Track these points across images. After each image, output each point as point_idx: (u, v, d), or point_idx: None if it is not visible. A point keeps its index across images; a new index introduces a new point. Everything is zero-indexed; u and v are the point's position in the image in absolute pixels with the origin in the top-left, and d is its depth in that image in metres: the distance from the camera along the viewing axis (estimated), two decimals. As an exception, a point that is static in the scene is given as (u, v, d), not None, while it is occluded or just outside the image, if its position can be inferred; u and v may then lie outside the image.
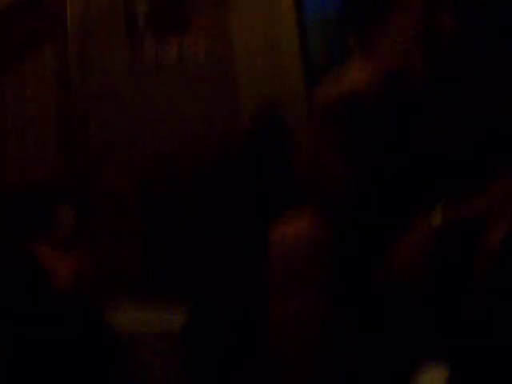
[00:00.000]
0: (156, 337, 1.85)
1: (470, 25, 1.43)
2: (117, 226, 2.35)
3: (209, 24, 2.99)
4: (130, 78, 2.56)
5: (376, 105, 1.47)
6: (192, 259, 2.45)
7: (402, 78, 1.42)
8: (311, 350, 1.35)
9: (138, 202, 2.47)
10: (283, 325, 1.36)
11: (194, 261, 2.38)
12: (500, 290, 1.05)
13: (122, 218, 2.39)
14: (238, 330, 2.03)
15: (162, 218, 2.51)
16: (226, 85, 3.04)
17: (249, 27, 3.04)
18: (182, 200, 2.61)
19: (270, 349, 1.40)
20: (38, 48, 2.57)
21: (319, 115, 1.44)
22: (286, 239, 1.35)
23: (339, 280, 1.36)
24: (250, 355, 1.90)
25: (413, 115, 1.44)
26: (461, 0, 1.44)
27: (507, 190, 1.29)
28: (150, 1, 2.67)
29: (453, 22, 1.64)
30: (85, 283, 1.27)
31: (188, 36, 2.85)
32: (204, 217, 2.64)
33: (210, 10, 3.02)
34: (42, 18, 2.49)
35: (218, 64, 3.01)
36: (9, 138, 2.59)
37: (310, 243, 1.32)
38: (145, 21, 2.65)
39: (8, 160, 2.58)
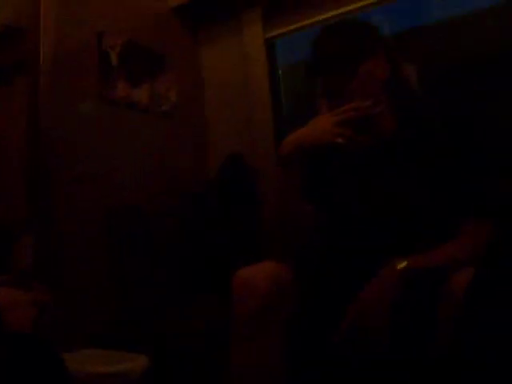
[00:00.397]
0: (116, 377, 1.80)
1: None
2: (82, 265, 2.32)
3: (181, 65, 3.03)
4: (100, 114, 2.55)
5: (344, 154, 1.49)
6: (155, 306, 2.41)
7: (369, 126, 1.44)
8: None
9: (105, 234, 2.44)
10: (242, 369, 1.33)
11: (157, 308, 2.35)
12: (464, 338, 1.05)
13: (87, 256, 2.35)
14: (199, 375, 1.99)
15: (127, 256, 2.48)
16: (196, 128, 3.07)
17: (221, 72, 3.09)
18: (147, 239, 2.58)
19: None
20: (7, 83, 2.55)
21: (286, 161, 1.45)
22: (247, 280, 1.33)
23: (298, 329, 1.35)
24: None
25: (378, 165, 1.46)
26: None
27: (472, 240, 1.31)
28: (124, 41, 2.70)
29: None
30: (44, 323, 1.22)
31: (160, 76, 2.88)
32: (168, 259, 2.62)
33: (183, 51, 3.07)
34: (13, 53, 2.48)
35: (190, 107, 3.04)
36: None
37: (272, 283, 1.31)
38: (118, 60, 2.67)
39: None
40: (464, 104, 2.06)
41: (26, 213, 2.29)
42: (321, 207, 1.55)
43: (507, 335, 1.02)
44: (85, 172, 2.43)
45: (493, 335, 1.03)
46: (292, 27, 2.87)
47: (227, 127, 3.01)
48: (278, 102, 2.96)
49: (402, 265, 1.25)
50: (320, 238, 1.55)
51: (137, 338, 2.11)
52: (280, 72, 3.01)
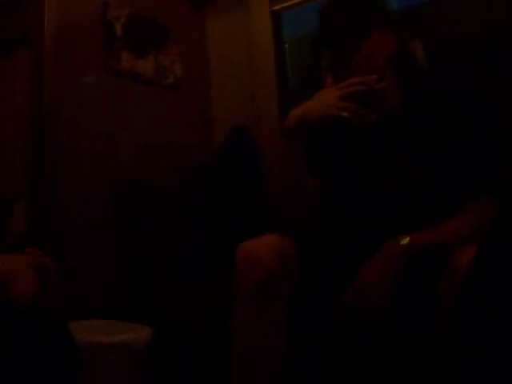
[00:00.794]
0: (119, 347, 1.81)
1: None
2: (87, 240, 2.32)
3: (186, 38, 3.00)
4: (105, 87, 2.54)
5: (344, 128, 1.48)
6: (158, 278, 2.43)
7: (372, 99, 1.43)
8: (273, 371, 1.34)
9: (109, 211, 2.44)
10: (246, 343, 1.34)
11: (161, 285, 2.37)
12: (464, 315, 1.05)
13: (92, 233, 2.36)
14: (202, 350, 2.01)
15: (131, 233, 2.49)
16: (201, 101, 3.05)
17: (226, 46, 3.06)
18: (151, 215, 2.59)
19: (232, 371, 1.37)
20: (11, 56, 2.53)
21: (290, 134, 1.45)
22: (252, 252, 1.33)
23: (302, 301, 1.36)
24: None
25: (383, 140, 1.45)
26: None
27: (475, 218, 1.31)
28: (129, 12, 2.67)
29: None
30: (46, 290, 1.22)
31: (165, 49, 2.85)
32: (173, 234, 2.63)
33: (189, 24, 3.04)
34: (17, 25, 2.46)
35: (195, 80, 3.02)
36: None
37: (276, 256, 1.31)
38: (122, 31, 2.64)
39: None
40: (469, 85, 2.04)
41: (24, 187, 2.29)
42: (325, 181, 1.55)
43: (507, 313, 1.02)
44: (88, 147, 2.42)
45: (493, 313, 1.04)
46: (298, 0, 2.83)
47: (232, 100, 2.99)
48: (284, 75, 2.94)
49: (406, 241, 1.25)
50: (323, 212, 1.54)
51: (140, 314, 2.12)
52: (286, 45, 2.98)
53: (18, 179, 2.34)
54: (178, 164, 2.77)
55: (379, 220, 1.37)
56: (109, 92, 2.56)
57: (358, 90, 1.38)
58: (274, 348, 1.33)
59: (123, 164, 2.55)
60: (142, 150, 2.65)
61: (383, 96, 1.45)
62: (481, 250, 1.14)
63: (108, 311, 2.22)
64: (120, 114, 2.58)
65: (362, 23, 1.40)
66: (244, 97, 2.93)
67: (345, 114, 1.38)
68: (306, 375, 1.39)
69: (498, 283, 1.07)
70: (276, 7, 2.88)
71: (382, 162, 1.44)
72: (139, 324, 1.97)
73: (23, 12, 2.39)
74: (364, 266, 1.27)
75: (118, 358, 1.78)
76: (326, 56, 1.45)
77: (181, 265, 2.52)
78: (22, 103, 2.44)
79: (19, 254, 1.22)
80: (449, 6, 2.45)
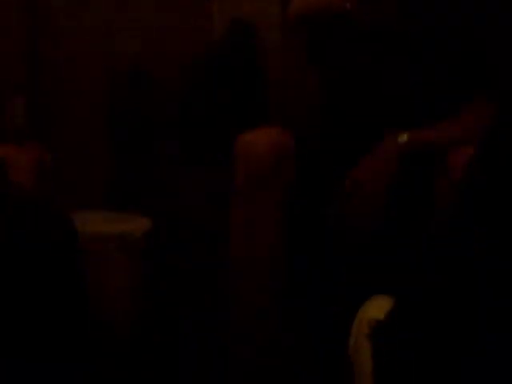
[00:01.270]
0: (118, 237, 1.83)
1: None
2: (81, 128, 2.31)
3: None
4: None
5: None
6: (156, 171, 2.44)
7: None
8: (267, 263, 1.38)
9: (106, 105, 2.42)
10: (242, 230, 1.37)
11: (158, 173, 2.38)
12: (460, 215, 1.07)
13: (87, 121, 2.34)
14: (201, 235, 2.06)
15: (128, 125, 2.47)
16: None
17: None
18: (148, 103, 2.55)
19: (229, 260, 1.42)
20: None
21: (292, 24, 1.41)
22: (250, 143, 1.34)
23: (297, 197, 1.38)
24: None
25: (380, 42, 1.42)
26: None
27: (472, 119, 1.30)
28: None
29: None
30: (45, 177, 1.22)
31: None
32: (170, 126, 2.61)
33: None
34: None
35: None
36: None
37: (274, 148, 1.32)
38: None
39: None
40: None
41: (22, 78, 2.25)
42: (324, 72, 1.52)
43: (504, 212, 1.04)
44: (86, 37, 2.34)
45: (490, 213, 1.05)
46: None
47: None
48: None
49: (404, 137, 1.25)
50: (323, 110, 1.53)
51: (138, 204, 2.14)
52: None
53: (18, 69, 2.29)
54: (178, 50, 2.69)
55: (377, 119, 1.36)
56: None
57: None
58: (268, 239, 1.36)
59: (120, 50, 2.46)
60: (140, 32, 2.54)
61: None
62: (477, 152, 1.14)
63: (107, 202, 2.24)
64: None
65: None
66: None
67: (347, 4, 1.34)
68: (299, 268, 1.43)
69: (494, 185, 1.08)
70: None
71: (381, 63, 1.40)
72: (138, 214, 1.97)
73: None
74: (359, 163, 1.27)
75: (117, 247, 1.81)
76: None
77: (177, 157, 2.51)
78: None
79: (19, 146, 1.22)
80: None
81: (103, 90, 2.41)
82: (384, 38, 1.41)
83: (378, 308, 1.01)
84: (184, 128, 2.56)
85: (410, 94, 1.35)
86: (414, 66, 1.35)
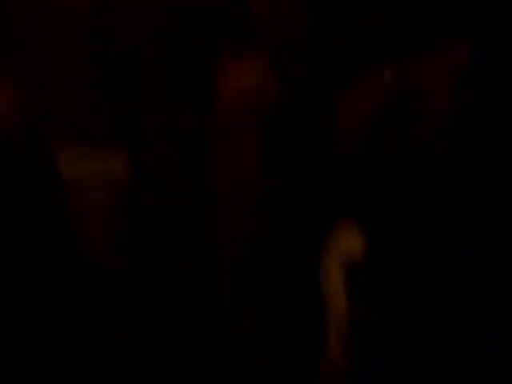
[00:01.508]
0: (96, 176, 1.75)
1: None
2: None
3: None
4: None
5: None
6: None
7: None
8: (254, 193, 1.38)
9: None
10: (223, 167, 1.36)
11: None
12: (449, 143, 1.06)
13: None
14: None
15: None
16: None
17: None
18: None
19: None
20: None
21: None
22: (231, 75, 1.32)
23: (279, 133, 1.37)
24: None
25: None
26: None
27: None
28: None
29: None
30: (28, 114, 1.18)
31: None
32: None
33: None
34: None
35: None
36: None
37: (257, 89, 1.30)
38: None
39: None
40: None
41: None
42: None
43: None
44: None
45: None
46: None
47: None
48: None
49: (389, 75, 1.24)
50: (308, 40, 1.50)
51: (114, 135, 2.02)
52: None
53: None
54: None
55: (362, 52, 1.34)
56: None
57: None
58: (254, 169, 1.35)
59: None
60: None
61: None
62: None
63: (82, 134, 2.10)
64: None
65: None
66: None
67: None
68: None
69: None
70: None
71: None
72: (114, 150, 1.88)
73: None
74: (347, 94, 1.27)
75: (96, 187, 1.74)
76: None
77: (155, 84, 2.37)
78: None
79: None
80: None
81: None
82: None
83: (347, 241, 1.04)
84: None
85: (394, 27, 1.33)
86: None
